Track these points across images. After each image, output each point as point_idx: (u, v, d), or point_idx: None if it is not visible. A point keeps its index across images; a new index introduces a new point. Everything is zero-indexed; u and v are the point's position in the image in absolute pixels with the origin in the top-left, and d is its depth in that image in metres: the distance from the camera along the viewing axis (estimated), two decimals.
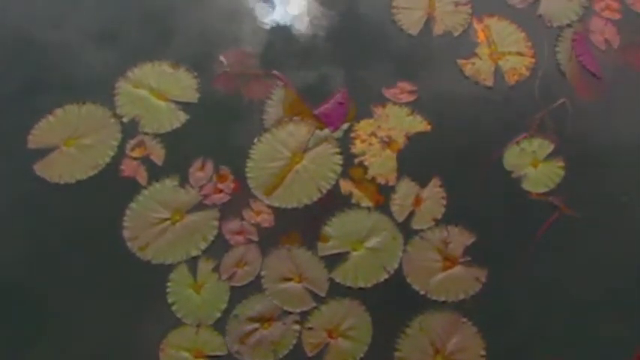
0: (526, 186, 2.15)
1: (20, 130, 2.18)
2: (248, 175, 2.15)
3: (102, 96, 2.23)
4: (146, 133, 2.19)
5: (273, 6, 2.39)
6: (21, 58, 2.30)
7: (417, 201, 2.14)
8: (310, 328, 2.01)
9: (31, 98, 2.23)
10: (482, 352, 2.00)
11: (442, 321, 2.03)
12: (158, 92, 2.24)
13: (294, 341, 2.00)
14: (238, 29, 2.35)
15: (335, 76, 2.29)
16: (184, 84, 2.26)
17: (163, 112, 2.22)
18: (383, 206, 2.13)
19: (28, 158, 2.15)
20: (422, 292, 2.05)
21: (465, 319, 2.03)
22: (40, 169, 2.15)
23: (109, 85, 2.24)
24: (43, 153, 2.16)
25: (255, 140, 2.19)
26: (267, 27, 2.36)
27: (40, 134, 2.19)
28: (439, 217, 2.12)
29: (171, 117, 2.22)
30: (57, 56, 2.30)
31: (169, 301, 2.03)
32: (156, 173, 2.15)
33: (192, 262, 2.07)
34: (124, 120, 2.21)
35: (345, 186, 2.15)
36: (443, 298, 2.05)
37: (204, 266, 2.06)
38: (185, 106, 2.23)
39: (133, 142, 2.18)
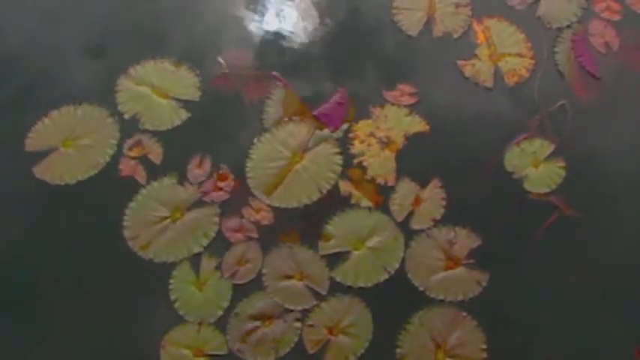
0: (528, 186, 2.15)
1: (20, 132, 2.18)
2: (248, 174, 2.15)
3: (100, 96, 2.23)
4: (145, 131, 2.19)
5: (275, 3, 2.40)
6: (21, 58, 2.31)
7: (417, 201, 2.14)
8: (311, 325, 2.01)
9: (30, 100, 2.23)
10: (483, 346, 2.00)
11: (442, 316, 2.03)
12: (159, 90, 2.24)
13: (296, 339, 1.99)
14: (239, 27, 2.36)
15: (334, 77, 2.30)
16: (186, 82, 2.26)
17: (164, 109, 2.22)
18: (384, 206, 2.13)
19: (27, 160, 2.15)
20: (421, 289, 2.05)
21: (465, 314, 2.03)
22: (40, 171, 2.14)
23: (109, 84, 2.24)
24: (41, 155, 2.16)
25: (255, 140, 2.19)
26: (269, 27, 2.36)
27: (37, 137, 2.18)
28: (438, 217, 2.12)
29: (172, 115, 2.22)
30: (56, 56, 2.31)
31: (172, 298, 2.02)
32: (155, 172, 2.15)
33: (195, 260, 2.06)
34: (125, 117, 2.21)
35: (345, 186, 2.14)
36: (441, 297, 2.04)
37: (207, 264, 2.05)
38: (186, 104, 2.23)
39: (130, 141, 2.18)
